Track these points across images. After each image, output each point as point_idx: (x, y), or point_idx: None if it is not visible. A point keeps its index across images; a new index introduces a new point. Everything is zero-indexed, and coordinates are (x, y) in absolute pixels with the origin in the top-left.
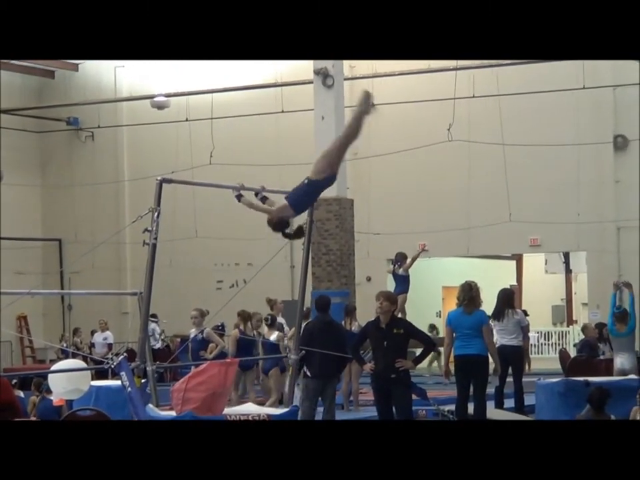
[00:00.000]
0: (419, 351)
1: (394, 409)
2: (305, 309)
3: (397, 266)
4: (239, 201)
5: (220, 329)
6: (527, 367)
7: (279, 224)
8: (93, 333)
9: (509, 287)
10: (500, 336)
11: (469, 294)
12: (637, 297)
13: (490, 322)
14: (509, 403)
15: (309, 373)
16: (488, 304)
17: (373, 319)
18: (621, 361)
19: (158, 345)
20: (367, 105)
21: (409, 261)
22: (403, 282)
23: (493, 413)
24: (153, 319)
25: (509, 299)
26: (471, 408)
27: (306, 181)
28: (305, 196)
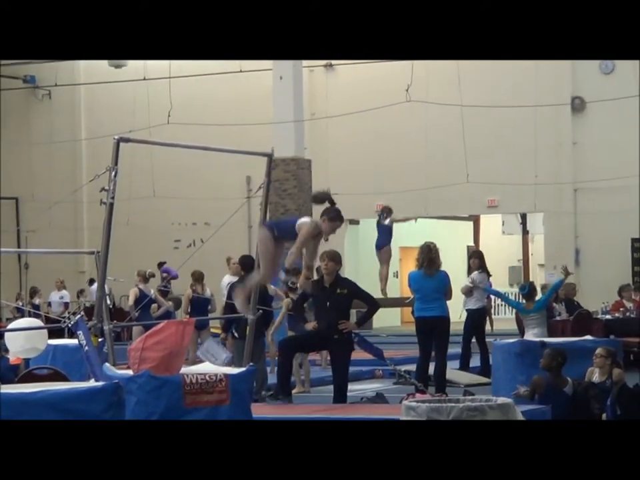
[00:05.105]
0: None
1: (331, 367)
2: None
3: (382, 216)
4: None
5: (166, 288)
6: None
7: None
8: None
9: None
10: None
11: (429, 255)
12: (589, 259)
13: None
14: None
15: (236, 334)
16: (446, 265)
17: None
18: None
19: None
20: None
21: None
22: (386, 232)
23: (452, 373)
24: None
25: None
26: (431, 369)
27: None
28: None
